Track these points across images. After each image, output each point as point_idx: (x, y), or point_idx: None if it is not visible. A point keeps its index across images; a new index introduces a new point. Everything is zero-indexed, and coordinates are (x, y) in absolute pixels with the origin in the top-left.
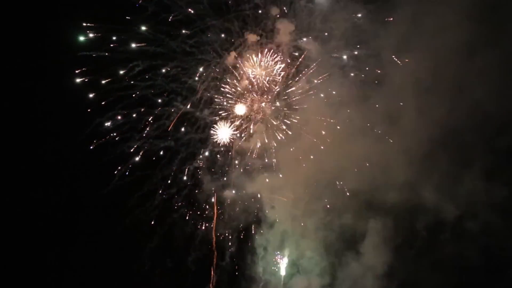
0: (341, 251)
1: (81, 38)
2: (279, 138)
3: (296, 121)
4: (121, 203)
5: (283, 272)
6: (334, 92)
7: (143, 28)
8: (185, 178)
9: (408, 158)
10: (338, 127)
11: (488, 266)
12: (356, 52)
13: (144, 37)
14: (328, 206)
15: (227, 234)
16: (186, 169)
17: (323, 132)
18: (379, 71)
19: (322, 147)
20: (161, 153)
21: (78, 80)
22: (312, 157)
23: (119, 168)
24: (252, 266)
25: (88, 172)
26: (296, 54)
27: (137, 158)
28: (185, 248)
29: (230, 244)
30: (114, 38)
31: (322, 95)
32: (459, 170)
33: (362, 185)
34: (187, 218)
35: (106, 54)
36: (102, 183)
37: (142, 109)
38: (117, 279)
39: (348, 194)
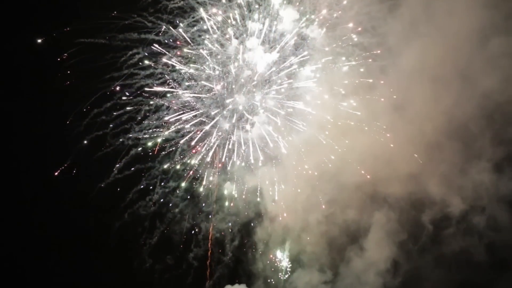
0: (344, 246)
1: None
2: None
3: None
4: (119, 197)
5: (284, 267)
6: (338, 81)
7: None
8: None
9: (413, 149)
10: (339, 121)
11: (493, 263)
12: (362, 40)
13: (143, 25)
14: (330, 199)
15: (228, 229)
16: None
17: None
18: (385, 60)
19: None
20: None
21: (73, 67)
22: (315, 148)
23: (118, 160)
24: (253, 261)
25: (85, 165)
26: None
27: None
28: (185, 244)
29: (231, 239)
30: (113, 25)
31: (326, 84)
32: (466, 162)
33: (366, 177)
34: (186, 213)
35: (105, 41)
36: (100, 176)
37: (142, 99)
38: (118, 278)
39: (351, 187)
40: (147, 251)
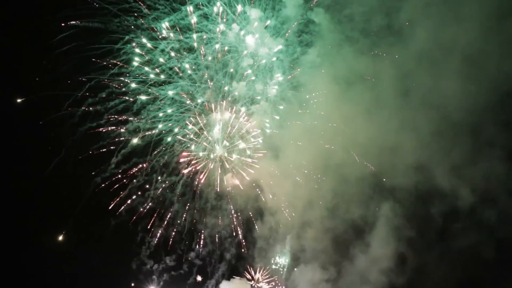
0: (348, 241)
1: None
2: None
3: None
4: (116, 193)
5: (285, 262)
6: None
7: None
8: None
9: (420, 139)
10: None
11: (502, 258)
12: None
13: (140, 10)
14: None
15: (228, 225)
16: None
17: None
18: (393, 45)
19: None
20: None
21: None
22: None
23: (115, 154)
24: (254, 256)
25: (80, 160)
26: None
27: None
28: (185, 242)
29: (231, 235)
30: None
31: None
32: (476, 152)
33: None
34: (185, 209)
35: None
36: (96, 170)
37: (139, 89)
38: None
39: (355, 179)
40: (146, 249)
